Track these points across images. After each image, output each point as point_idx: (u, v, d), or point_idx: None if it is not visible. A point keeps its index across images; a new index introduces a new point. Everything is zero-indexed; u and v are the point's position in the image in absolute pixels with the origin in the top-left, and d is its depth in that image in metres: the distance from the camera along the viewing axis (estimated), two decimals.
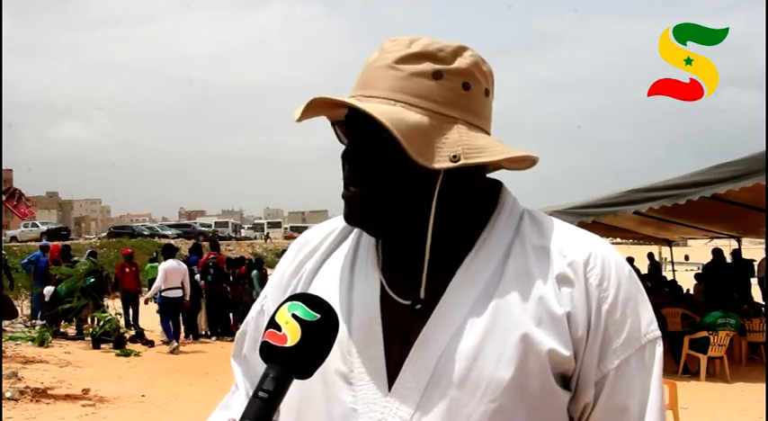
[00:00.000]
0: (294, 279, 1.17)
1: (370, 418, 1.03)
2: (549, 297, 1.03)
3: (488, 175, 1.15)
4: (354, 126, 1.07)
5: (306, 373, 0.96)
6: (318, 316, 0.95)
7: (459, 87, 1.05)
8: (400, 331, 1.05)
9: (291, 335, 0.94)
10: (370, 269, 1.11)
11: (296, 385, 1.05)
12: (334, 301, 1.08)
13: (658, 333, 1.08)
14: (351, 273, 1.12)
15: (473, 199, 1.11)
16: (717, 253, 14.32)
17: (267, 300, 1.22)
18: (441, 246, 1.07)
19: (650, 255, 19.10)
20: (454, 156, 1.01)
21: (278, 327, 0.95)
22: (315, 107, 1.06)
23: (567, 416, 1.06)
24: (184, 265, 12.96)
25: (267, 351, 0.95)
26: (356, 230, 1.17)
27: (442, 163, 1.01)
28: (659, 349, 1.07)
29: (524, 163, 1.12)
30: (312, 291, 1.13)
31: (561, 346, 1.01)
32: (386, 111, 1.00)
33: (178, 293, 12.47)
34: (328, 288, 1.12)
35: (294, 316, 0.95)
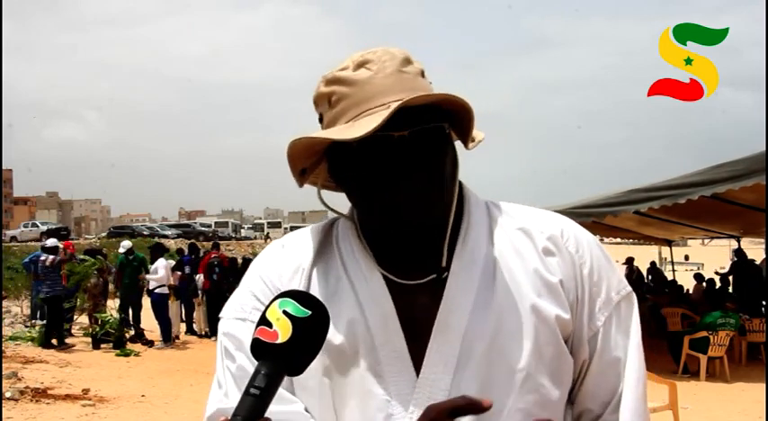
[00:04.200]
0: (291, 282, 1.15)
1: (405, 406, 1.06)
2: (541, 269, 1.13)
3: None
4: (399, 128, 1.05)
5: (297, 370, 0.97)
6: (309, 312, 0.96)
7: (429, 83, 1.15)
8: (413, 319, 1.09)
9: (282, 331, 0.94)
10: (365, 266, 1.13)
11: (326, 386, 1.10)
12: (340, 301, 1.11)
13: (629, 288, 1.19)
14: (347, 274, 1.14)
15: None
16: (739, 254, 14.00)
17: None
18: (433, 232, 1.12)
19: (653, 264, 18.97)
20: (472, 138, 1.12)
21: (269, 324, 0.95)
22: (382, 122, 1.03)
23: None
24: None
25: (258, 348, 0.95)
26: (331, 237, 1.19)
27: (470, 143, 1.13)
28: (634, 303, 1.19)
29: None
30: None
31: (563, 311, 1.11)
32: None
33: (167, 290, 12.95)
34: (329, 293, 1.12)
35: (285, 312, 0.95)
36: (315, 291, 1.14)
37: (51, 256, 12.28)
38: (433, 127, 1.07)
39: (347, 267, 1.14)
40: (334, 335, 1.09)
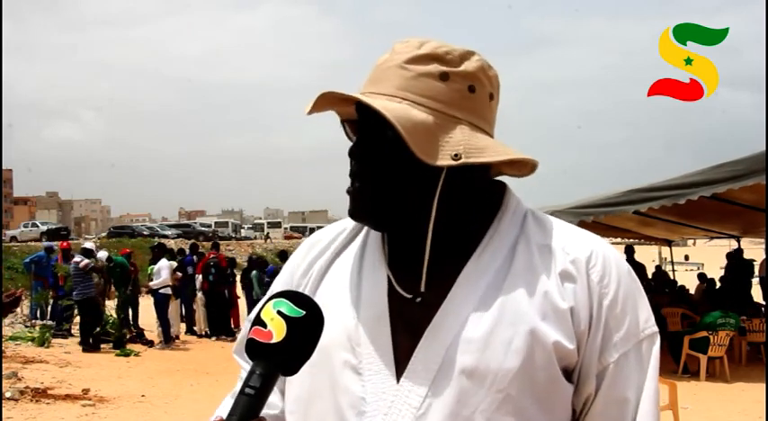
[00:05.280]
0: (305, 278, 1.19)
1: (380, 406, 1.05)
2: (553, 292, 1.07)
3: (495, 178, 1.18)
4: (363, 123, 1.09)
5: (291, 369, 0.98)
6: (303, 312, 0.97)
7: (465, 90, 1.08)
8: (408, 323, 1.08)
9: (277, 331, 0.95)
10: (377, 264, 1.13)
11: (305, 378, 1.07)
12: (344, 297, 1.12)
13: (655, 329, 1.12)
14: (359, 269, 1.15)
15: (477, 198, 1.14)
16: (731, 256, 14.07)
17: None
18: (446, 242, 1.11)
19: (658, 268, 18.93)
20: (456, 155, 1.04)
21: (263, 324, 0.96)
22: (326, 101, 1.08)
23: (571, 408, 1.09)
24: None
25: (253, 348, 0.96)
26: (365, 229, 1.19)
27: (443, 160, 1.04)
28: (656, 344, 1.11)
29: (525, 169, 1.15)
30: (322, 288, 1.16)
31: (565, 339, 1.05)
32: (391, 108, 1.03)
33: (170, 291, 12.91)
34: (338, 285, 1.14)
35: (279, 312, 0.96)
36: (326, 284, 1.16)
37: (86, 261, 12.14)
38: (377, 129, 1.06)
39: (363, 263, 1.15)
40: (325, 328, 1.08)
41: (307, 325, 0.97)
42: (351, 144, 1.13)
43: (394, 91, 1.06)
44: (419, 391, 1.04)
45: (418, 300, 1.09)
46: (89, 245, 13.41)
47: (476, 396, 1.03)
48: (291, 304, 0.97)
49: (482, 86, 1.10)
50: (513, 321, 1.05)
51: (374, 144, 1.08)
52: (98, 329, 12.22)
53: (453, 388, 1.03)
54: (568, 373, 1.07)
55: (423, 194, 1.08)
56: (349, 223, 1.21)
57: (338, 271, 1.17)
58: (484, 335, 1.04)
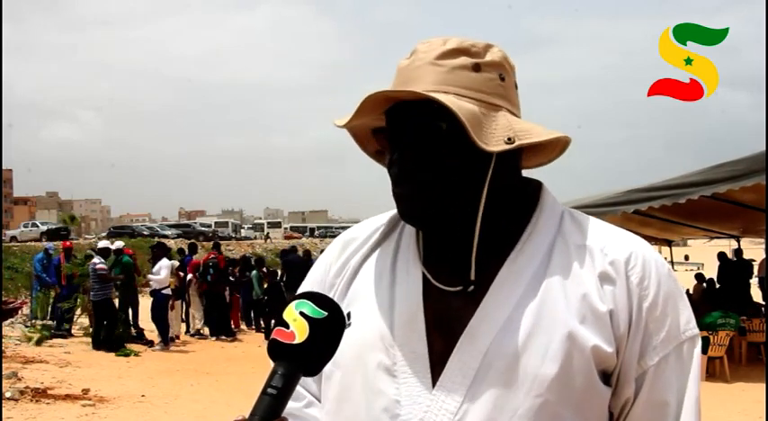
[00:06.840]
0: (338, 277, 1.18)
1: (415, 411, 1.03)
2: (592, 294, 1.05)
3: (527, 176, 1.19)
4: (400, 123, 1.08)
5: (314, 370, 0.98)
6: (326, 313, 0.97)
7: (497, 78, 1.10)
8: (444, 324, 1.07)
9: (299, 332, 0.96)
10: (412, 263, 1.13)
11: (340, 378, 1.09)
12: (377, 296, 1.11)
13: (696, 331, 1.10)
14: (393, 268, 1.14)
15: (515, 196, 1.13)
16: (722, 257, 14.19)
17: None
18: (484, 240, 1.09)
19: None
20: (509, 139, 1.05)
21: (286, 325, 0.97)
22: (359, 113, 1.07)
23: (608, 412, 1.07)
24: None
25: (275, 348, 0.97)
26: (399, 227, 1.18)
27: (498, 146, 1.04)
28: (698, 346, 1.10)
29: (552, 153, 1.16)
30: (355, 286, 1.16)
31: (604, 343, 1.03)
32: (446, 100, 1.02)
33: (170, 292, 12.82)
34: (370, 284, 1.13)
35: (302, 313, 0.97)
36: (359, 283, 1.15)
37: (104, 266, 12.02)
38: (429, 123, 1.05)
39: (397, 261, 1.14)
40: (357, 328, 1.09)
41: (329, 326, 0.97)
42: (383, 153, 1.13)
43: (433, 86, 1.05)
44: (456, 397, 1.02)
45: (471, 288, 1.07)
46: (105, 243, 13.34)
47: (513, 402, 1.01)
48: (314, 305, 0.98)
49: (508, 75, 1.13)
50: (550, 325, 1.03)
51: (427, 139, 1.06)
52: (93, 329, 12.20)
53: (491, 393, 1.01)
54: (606, 377, 1.06)
55: (474, 186, 1.08)
56: (383, 219, 1.20)
57: (372, 268, 1.15)
58: (521, 340, 1.02)
